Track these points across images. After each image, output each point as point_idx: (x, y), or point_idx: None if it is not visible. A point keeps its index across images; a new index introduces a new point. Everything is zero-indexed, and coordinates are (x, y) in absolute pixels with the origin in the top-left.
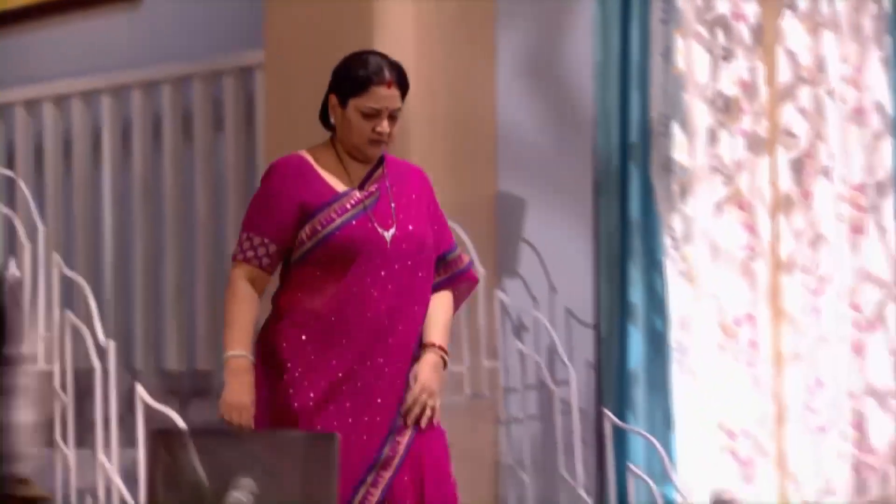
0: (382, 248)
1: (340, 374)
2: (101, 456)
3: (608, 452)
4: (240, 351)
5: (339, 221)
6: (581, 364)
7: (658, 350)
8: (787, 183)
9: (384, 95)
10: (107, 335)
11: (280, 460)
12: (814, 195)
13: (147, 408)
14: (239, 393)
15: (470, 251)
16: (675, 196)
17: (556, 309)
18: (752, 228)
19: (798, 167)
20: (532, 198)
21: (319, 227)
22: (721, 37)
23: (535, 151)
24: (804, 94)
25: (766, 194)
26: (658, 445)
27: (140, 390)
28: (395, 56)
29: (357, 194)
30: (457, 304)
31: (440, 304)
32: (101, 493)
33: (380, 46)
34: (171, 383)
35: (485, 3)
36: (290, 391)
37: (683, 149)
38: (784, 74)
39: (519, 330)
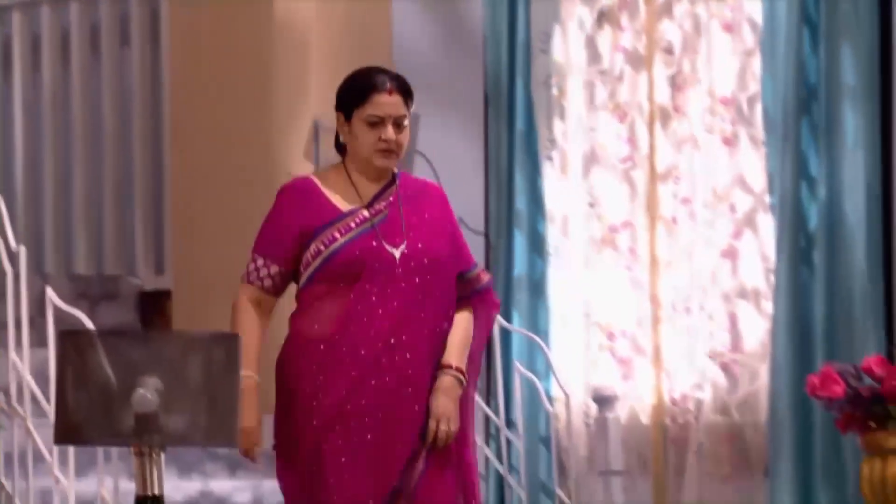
0: (389, 265)
1: (344, 393)
2: (14, 356)
3: (496, 351)
4: (244, 371)
5: (342, 240)
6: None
7: (541, 254)
8: (663, 95)
9: (385, 102)
10: (18, 241)
11: (184, 359)
12: (688, 107)
13: (57, 310)
14: (246, 418)
15: None
16: (557, 108)
17: None
18: (631, 139)
19: (674, 81)
20: (426, 112)
21: (322, 247)
22: None
23: (428, 69)
24: (680, 11)
25: (644, 106)
26: (542, 344)
27: (50, 293)
28: None
29: (364, 212)
30: (482, 325)
31: (457, 324)
32: (13, 390)
33: None
34: (80, 287)
35: None
36: (301, 413)
37: (565, 65)
38: None
39: None
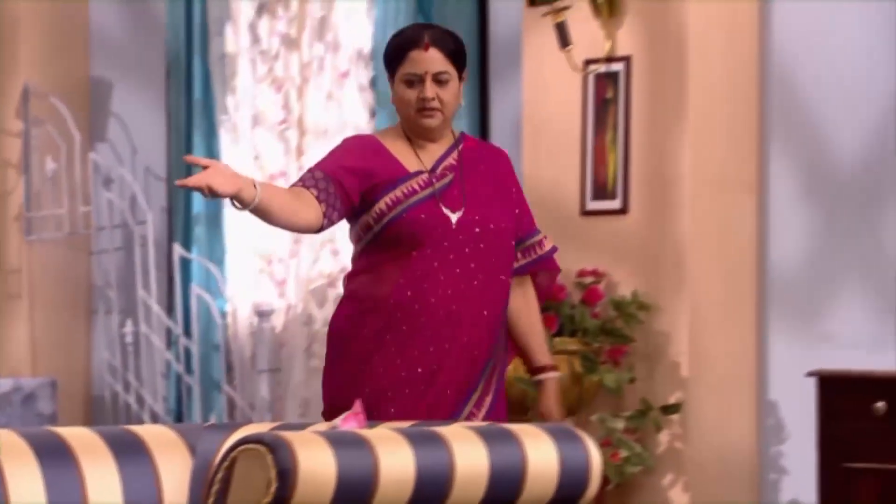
0: (448, 231)
1: (399, 361)
2: None
3: (176, 276)
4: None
5: (405, 204)
6: (157, 209)
7: (215, 199)
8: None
9: (421, 59)
10: None
11: None
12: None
13: None
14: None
15: (69, 125)
16: (227, 80)
17: (137, 167)
18: (286, 105)
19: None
20: (118, 80)
21: (386, 209)
22: None
23: (121, 44)
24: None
25: (297, 79)
26: (215, 270)
27: None
28: None
29: (426, 176)
30: (538, 293)
31: (531, 310)
32: None
33: None
34: None
35: None
36: (352, 378)
37: (233, 44)
38: None
39: (108, 182)
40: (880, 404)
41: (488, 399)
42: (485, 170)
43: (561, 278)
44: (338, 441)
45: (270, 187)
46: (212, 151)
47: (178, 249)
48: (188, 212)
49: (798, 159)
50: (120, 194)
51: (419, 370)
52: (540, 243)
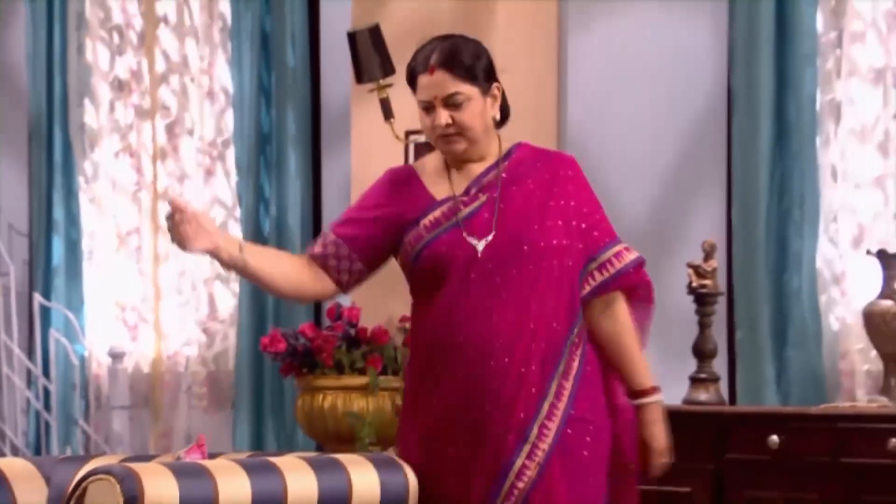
0: (474, 261)
1: (440, 407)
2: None
3: (36, 323)
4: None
5: (426, 239)
6: (19, 261)
7: (74, 253)
8: (162, 139)
9: (427, 84)
10: None
11: None
12: (181, 148)
13: None
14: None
15: None
16: (87, 148)
17: (1, 223)
18: (139, 170)
19: (170, 129)
20: None
21: (409, 248)
22: (117, 38)
23: None
24: (174, 80)
25: (149, 147)
26: (72, 317)
27: None
28: None
29: (452, 204)
30: (640, 314)
31: (624, 330)
32: None
33: None
34: None
35: None
36: (406, 421)
37: (92, 115)
38: (160, 66)
39: None
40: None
41: (553, 426)
42: (533, 184)
43: (385, 322)
44: (180, 471)
45: (264, 254)
46: (70, 212)
47: (38, 298)
48: (48, 264)
49: None
50: None
51: (453, 417)
52: (617, 256)
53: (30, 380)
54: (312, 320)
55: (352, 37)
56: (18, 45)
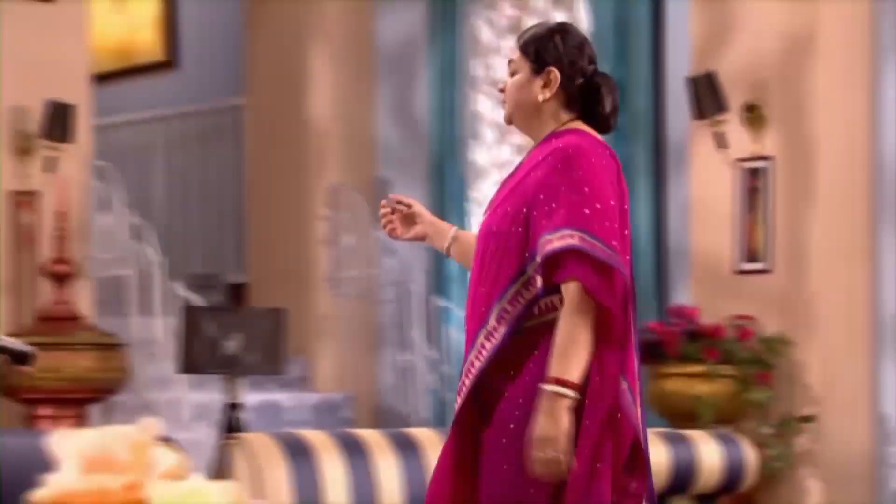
0: (478, 242)
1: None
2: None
3: (436, 321)
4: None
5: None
6: (422, 272)
7: None
8: None
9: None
10: (160, 253)
11: (253, 323)
12: None
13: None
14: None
15: (362, 211)
16: (474, 180)
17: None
18: None
19: None
20: (395, 178)
21: None
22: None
23: (395, 149)
24: None
25: None
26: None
27: (177, 286)
28: None
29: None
30: (568, 314)
31: (560, 320)
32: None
33: None
34: (193, 281)
35: None
36: None
37: (479, 153)
38: None
39: (389, 252)
40: None
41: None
42: (522, 170)
43: (721, 320)
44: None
45: (469, 251)
46: None
47: (437, 300)
48: (446, 273)
49: None
50: (398, 261)
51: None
52: (548, 242)
53: (432, 367)
54: (657, 318)
55: (692, 81)
56: (421, 100)
